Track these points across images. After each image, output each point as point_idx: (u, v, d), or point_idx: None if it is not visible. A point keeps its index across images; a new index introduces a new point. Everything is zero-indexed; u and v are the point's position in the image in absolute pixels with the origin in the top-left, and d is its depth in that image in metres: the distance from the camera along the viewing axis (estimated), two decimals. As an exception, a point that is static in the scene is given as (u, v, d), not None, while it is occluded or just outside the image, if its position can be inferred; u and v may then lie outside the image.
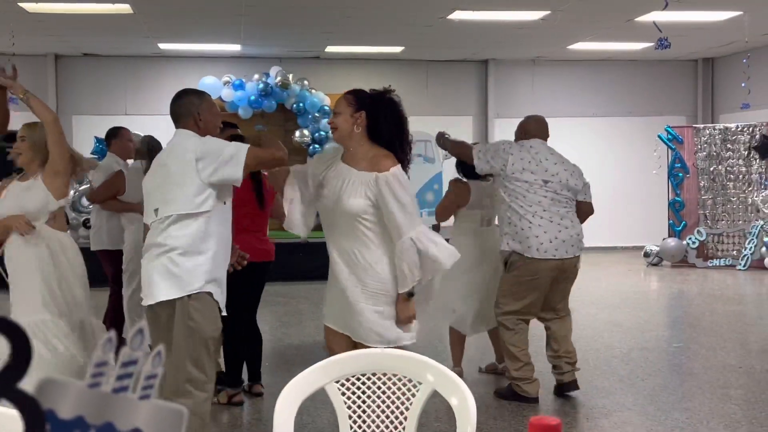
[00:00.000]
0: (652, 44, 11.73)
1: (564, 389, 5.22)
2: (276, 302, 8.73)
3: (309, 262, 9.53)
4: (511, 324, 5.09)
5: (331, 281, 3.55)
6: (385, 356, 2.33)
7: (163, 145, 6.55)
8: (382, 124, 3.48)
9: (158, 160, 3.64)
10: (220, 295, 3.49)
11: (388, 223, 3.38)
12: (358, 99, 3.52)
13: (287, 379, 2.31)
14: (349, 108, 3.50)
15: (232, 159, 3.37)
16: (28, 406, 0.62)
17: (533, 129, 5.29)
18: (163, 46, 12.02)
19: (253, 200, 5.05)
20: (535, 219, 4.97)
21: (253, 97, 12.06)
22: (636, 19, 10.13)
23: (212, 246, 3.41)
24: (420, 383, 2.18)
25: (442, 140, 5.53)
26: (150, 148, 6.51)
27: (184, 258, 3.37)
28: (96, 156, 11.09)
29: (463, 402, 2.05)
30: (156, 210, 3.46)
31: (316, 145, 12.17)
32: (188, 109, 3.56)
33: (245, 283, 4.82)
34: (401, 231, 3.34)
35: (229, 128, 5.61)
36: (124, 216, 6.68)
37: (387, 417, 2.22)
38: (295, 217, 3.62)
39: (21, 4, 9.11)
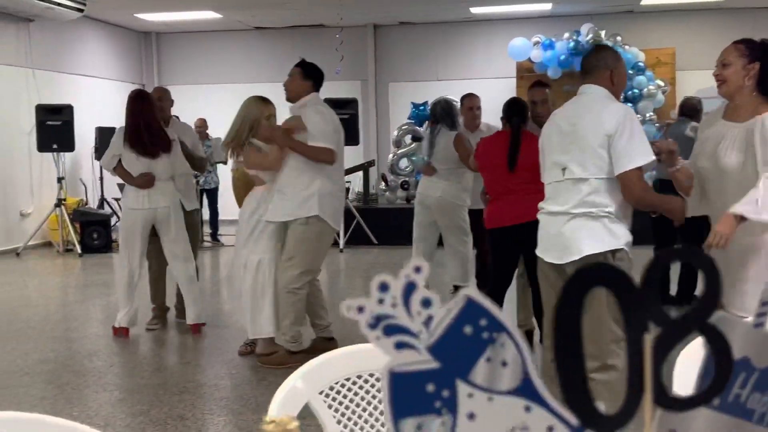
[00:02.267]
0: None
1: None
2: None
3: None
4: None
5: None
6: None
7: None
8: None
9: (567, 119, 3.52)
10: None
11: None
12: (751, 49, 3.26)
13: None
14: (741, 59, 3.25)
15: (629, 155, 3.26)
16: (716, 342, 0.60)
17: None
18: (474, 10, 12.17)
19: (504, 163, 4.91)
20: None
21: (563, 57, 11.83)
22: None
23: (624, 208, 3.38)
24: None
25: None
26: (441, 111, 6.64)
27: (609, 221, 3.34)
28: (413, 121, 11.58)
29: None
30: (564, 169, 3.43)
31: (629, 104, 11.66)
32: (606, 62, 3.47)
33: (502, 249, 4.98)
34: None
35: (540, 86, 5.50)
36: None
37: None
38: None
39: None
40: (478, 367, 0.66)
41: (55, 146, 10.34)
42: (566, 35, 11.84)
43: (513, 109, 5.06)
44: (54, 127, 10.24)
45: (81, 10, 10.77)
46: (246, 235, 5.22)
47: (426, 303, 0.66)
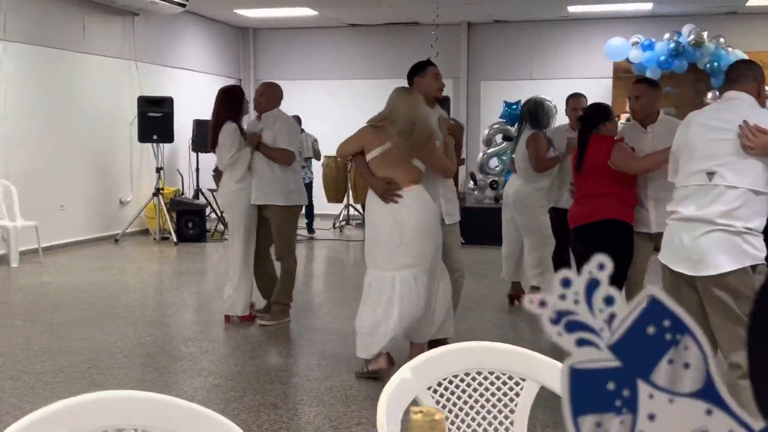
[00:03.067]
0: None
1: None
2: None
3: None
4: None
5: None
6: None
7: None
8: None
9: (714, 122, 3.44)
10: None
11: None
12: None
13: None
14: None
15: None
16: None
17: None
18: (572, 8, 11.97)
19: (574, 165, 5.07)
20: None
21: (662, 58, 11.53)
22: None
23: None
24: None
25: None
26: (527, 110, 6.62)
27: (751, 237, 3.28)
28: (504, 120, 11.48)
29: None
30: (711, 174, 3.35)
31: (730, 108, 11.30)
32: (754, 74, 3.44)
33: (576, 250, 5.14)
34: None
35: (638, 83, 5.34)
36: None
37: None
38: None
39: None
40: (659, 368, 0.65)
41: (155, 137, 10.68)
42: (666, 36, 11.53)
43: (583, 114, 5.32)
44: (154, 119, 10.58)
45: (183, 5, 11.09)
46: (432, 242, 4.80)
47: (609, 301, 0.65)
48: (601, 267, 0.63)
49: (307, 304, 7.05)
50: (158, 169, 10.81)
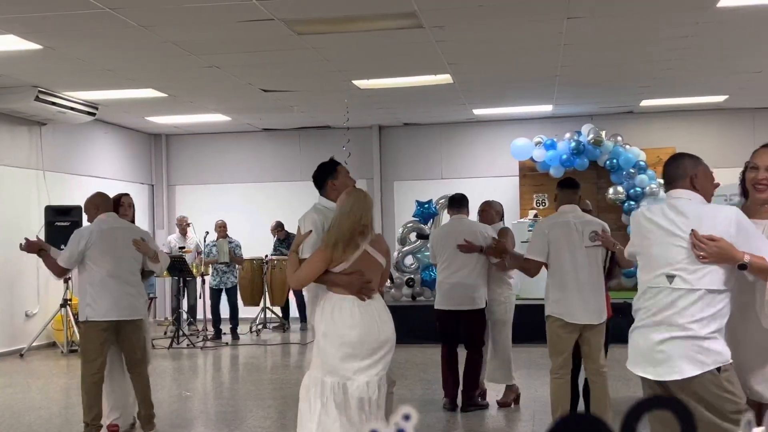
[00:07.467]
0: None
1: None
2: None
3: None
4: None
5: None
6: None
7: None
8: None
9: (664, 225, 3.42)
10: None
11: None
12: None
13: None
14: None
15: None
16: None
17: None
18: (477, 111, 12.44)
19: None
20: None
21: (564, 156, 12.02)
22: None
23: (724, 323, 3.29)
24: None
25: None
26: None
27: (710, 342, 3.23)
28: (417, 219, 11.66)
29: None
30: (671, 277, 3.31)
31: (632, 202, 11.79)
32: (685, 171, 3.46)
33: None
34: None
35: (569, 188, 5.65)
36: None
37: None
38: None
39: (354, 82, 9.96)
40: None
41: (62, 247, 10.37)
42: (567, 135, 12.06)
43: None
44: (62, 228, 10.33)
45: (93, 114, 11.03)
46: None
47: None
48: (407, 418, 0.65)
49: (223, 414, 6.85)
50: (66, 280, 10.48)
